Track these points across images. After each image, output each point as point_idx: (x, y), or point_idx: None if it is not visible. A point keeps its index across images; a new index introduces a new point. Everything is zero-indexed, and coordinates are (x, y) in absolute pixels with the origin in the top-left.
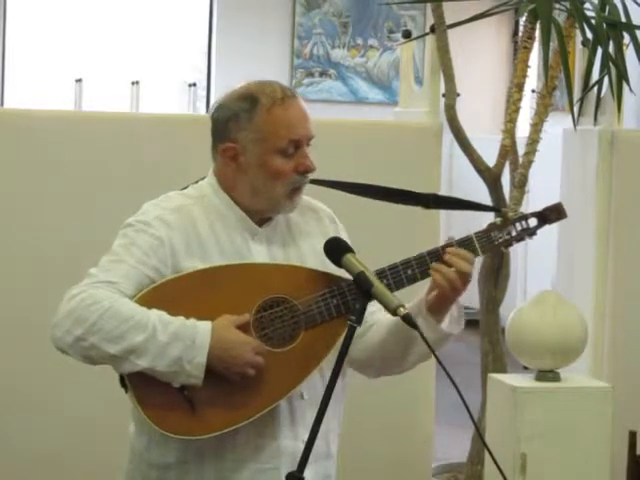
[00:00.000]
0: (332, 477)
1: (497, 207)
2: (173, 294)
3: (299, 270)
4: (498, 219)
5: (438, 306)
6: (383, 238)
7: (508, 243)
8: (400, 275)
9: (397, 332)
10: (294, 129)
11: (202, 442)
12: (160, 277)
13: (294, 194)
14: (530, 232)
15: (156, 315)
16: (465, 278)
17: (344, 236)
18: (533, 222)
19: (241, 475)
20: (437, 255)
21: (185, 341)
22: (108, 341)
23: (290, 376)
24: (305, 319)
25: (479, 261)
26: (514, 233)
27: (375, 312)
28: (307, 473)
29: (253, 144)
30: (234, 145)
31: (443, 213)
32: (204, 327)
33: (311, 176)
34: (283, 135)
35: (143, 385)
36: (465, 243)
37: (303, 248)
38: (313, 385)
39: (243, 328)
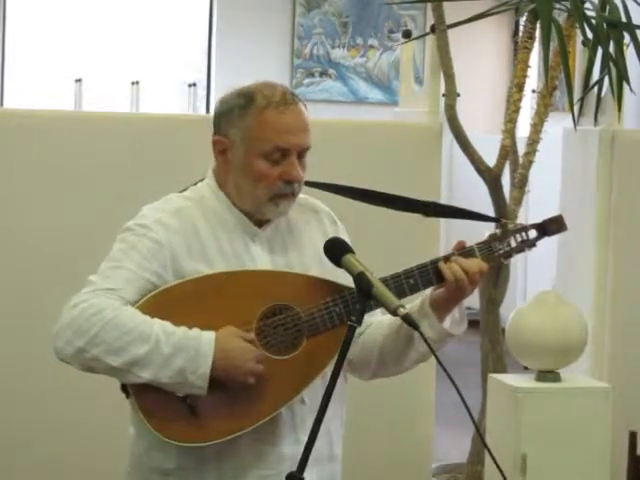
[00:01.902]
0: (337, 479)
1: (497, 218)
2: (176, 301)
3: (302, 278)
4: (498, 230)
5: (441, 304)
6: (383, 242)
7: (508, 254)
8: (402, 285)
9: (396, 333)
10: (283, 136)
11: (203, 448)
12: (161, 281)
13: (280, 200)
14: (529, 244)
15: (159, 325)
16: (472, 278)
17: (344, 237)
18: (533, 234)
19: None
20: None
21: (189, 352)
22: (110, 353)
23: (292, 384)
24: (307, 327)
25: None
26: (514, 244)
27: (374, 313)
28: (311, 475)
29: (240, 142)
30: (224, 139)
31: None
32: (207, 337)
33: (310, 178)
34: (270, 139)
35: (145, 392)
36: (467, 254)
37: (304, 249)
38: (314, 390)
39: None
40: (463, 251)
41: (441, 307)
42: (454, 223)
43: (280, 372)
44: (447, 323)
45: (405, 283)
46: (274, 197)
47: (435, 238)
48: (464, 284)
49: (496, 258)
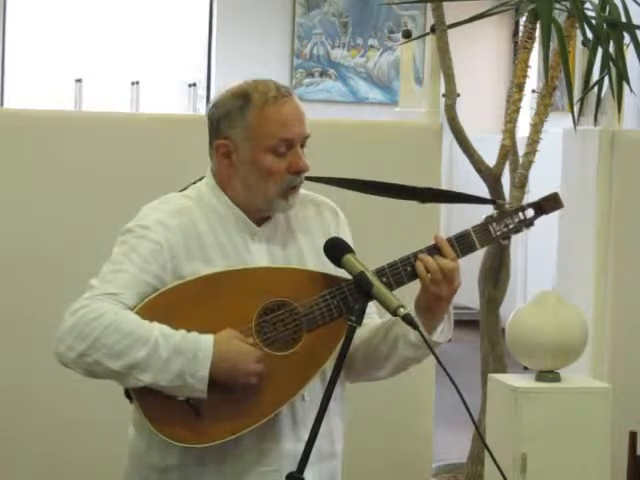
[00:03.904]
0: (337, 476)
1: (493, 200)
2: (175, 302)
3: (299, 272)
4: (495, 211)
5: (425, 305)
6: (383, 234)
7: (506, 235)
8: (400, 272)
9: (381, 334)
10: (286, 128)
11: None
12: (161, 283)
13: (289, 193)
14: (527, 223)
15: (158, 329)
16: (448, 274)
17: (346, 230)
18: (530, 213)
19: (243, 478)
20: (436, 251)
21: (187, 355)
22: (111, 357)
23: (293, 379)
24: (306, 321)
25: (479, 261)
26: (511, 225)
27: (370, 315)
28: (311, 473)
29: (244, 141)
30: (227, 142)
31: (443, 209)
32: (206, 340)
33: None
34: (274, 133)
35: (148, 396)
36: (463, 238)
37: (303, 245)
38: (314, 387)
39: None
40: (459, 235)
41: (426, 309)
42: (454, 213)
43: (281, 368)
44: (437, 333)
45: (402, 271)
46: (285, 191)
47: (435, 228)
48: (437, 276)
49: (494, 240)
